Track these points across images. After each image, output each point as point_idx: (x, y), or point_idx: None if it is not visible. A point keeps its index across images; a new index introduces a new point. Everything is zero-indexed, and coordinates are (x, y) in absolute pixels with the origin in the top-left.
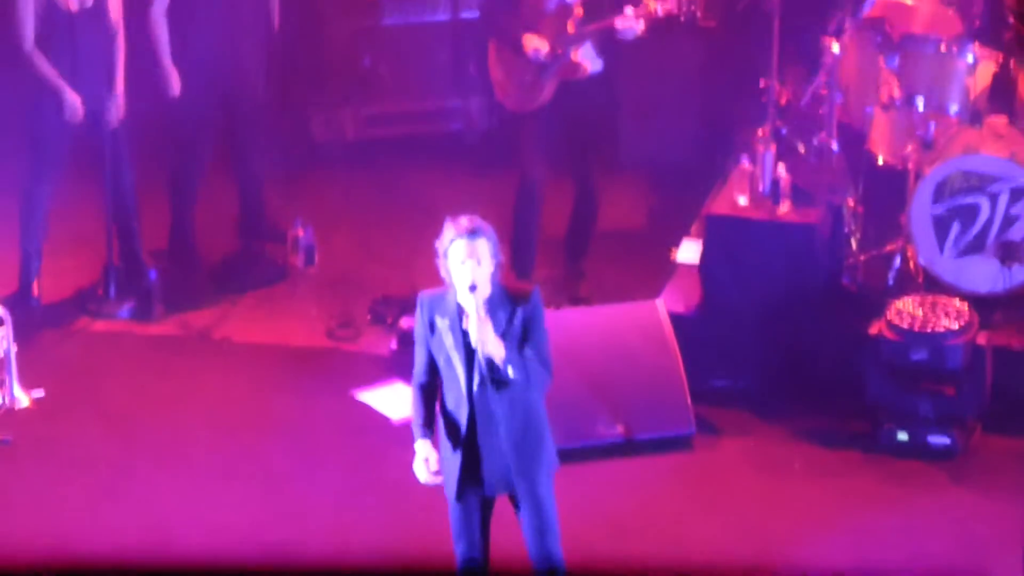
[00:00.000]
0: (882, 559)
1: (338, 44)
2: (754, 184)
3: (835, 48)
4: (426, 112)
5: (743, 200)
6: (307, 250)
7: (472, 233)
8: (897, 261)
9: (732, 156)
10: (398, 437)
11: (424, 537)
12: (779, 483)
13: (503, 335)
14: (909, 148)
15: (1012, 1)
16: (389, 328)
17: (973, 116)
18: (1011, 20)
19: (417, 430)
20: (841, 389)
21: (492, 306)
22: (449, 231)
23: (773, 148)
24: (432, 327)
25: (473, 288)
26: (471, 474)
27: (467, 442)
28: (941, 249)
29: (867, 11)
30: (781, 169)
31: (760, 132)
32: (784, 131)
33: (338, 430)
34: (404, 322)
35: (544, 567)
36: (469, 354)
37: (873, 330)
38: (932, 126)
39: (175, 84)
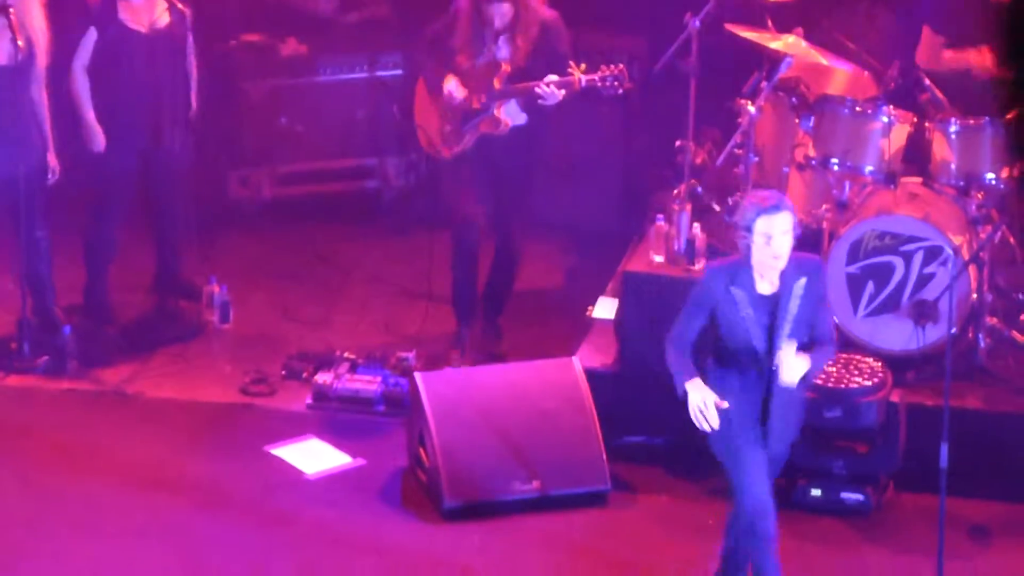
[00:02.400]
0: None
1: (255, 102)
2: (670, 243)
3: (751, 109)
4: (342, 170)
5: (659, 258)
6: (222, 307)
7: (778, 207)
8: None
9: (649, 216)
10: (312, 493)
11: None
12: (693, 541)
13: (792, 306)
14: (824, 208)
15: (926, 65)
16: (304, 383)
17: (888, 177)
18: (926, 82)
19: (685, 376)
20: None
21: (785, 277)
22: (753, 207)
23: (688, 208)
24: (726, 293)
25: (778, 259)
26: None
27: (753, 404)
28: (855, 308)
29: (783, 72)
30: (697, 228)
31: (676, 192)
32: (700, 191)
33: (252, 486)
34: (319, 378)
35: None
36: (769, 332)
37: None
38: (847, 187)
39: (99, 140)
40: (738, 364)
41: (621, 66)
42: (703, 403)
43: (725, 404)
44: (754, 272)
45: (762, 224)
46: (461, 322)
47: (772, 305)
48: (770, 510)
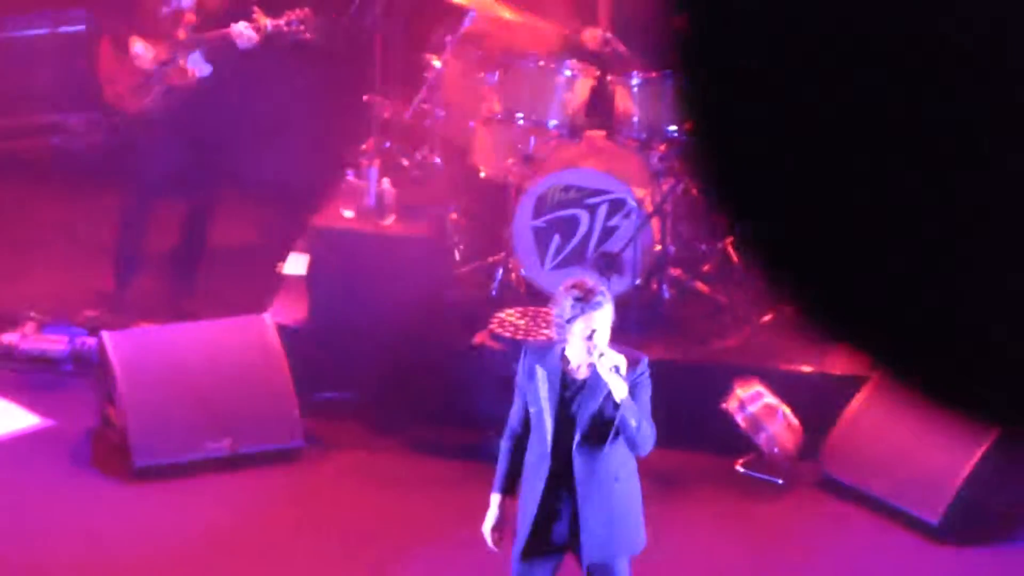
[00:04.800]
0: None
1: None
2: (359, 198)
3: (436, 63)
4: (26, 127)
5: (349, 213)
6: None
7: (596, 305)
8: (500, 273)
9: (338, 171)
10: None
11: (30, 556)
12: (388, 495)
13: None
14: (510, 162)
15: (608, 17)
16: None
17: (572, 131)
18: (608, 35)
19: (496, 483)
20: (452, 400)
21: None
22: (567, 301)
23: (378, 162)
24: (531, 375)
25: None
26: (541, 535)
27: (543, 500)
28: (542, 261)
29: (467, 27)
30: (386, 183)
31: (364, 147)
32: (388, 145)
33: None
34: (5, 337)
35: None
36: (561, 411)
37: (477, 340)
38: (532, 141)
39: None
40: (538, 454)
41: (306, 10)
42: (485, 529)
43: (495, 545)
44: (568, 354)
45: (580, 325)
46: (120, 283)
47: (576, 392)
48: None
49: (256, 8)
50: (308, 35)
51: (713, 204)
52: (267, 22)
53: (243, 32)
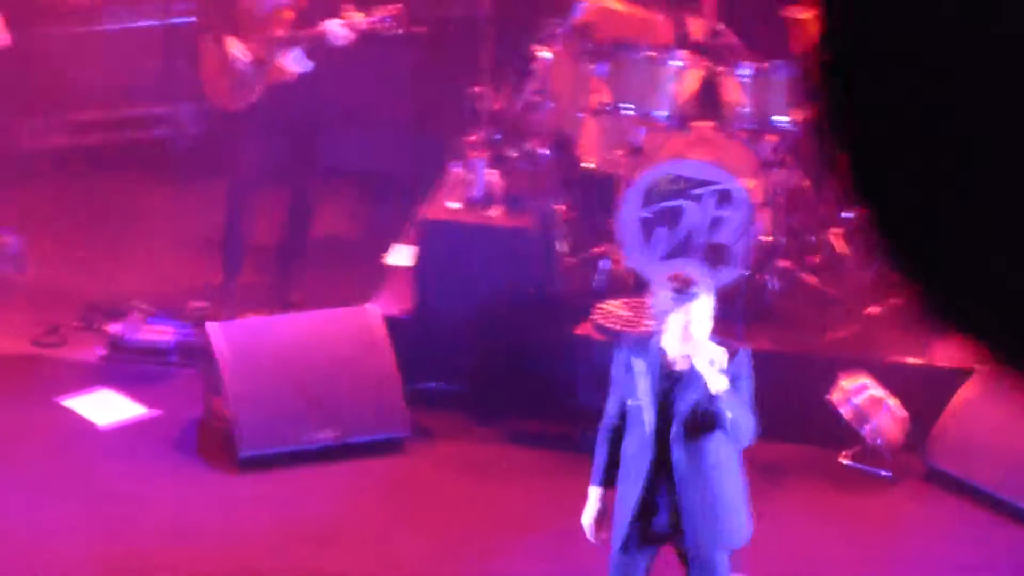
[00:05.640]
0: (585, 564)
1: (45, 50)
2: (466, 189)
3: (546, 55)
4: (134, 119)
5: (455, 205)
6: (15, 258)
7: (692, 296)
8: (605, 264)
9: (445, 162)
10: (106, 444)
11: (135, 546)
12: (491, 485)
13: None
14: (618, 153)
15: (717, 9)
16: (97, 334)
17: (681, 121)
18: (718, 26)
19: (594, 475)
20: (553, 391)
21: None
22: (665, 293)
23: (485, 154)
24: (628, 368)
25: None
26: (642, 526)
27: (644, 492)
28: (648, 252)
29: (576, 18)
30: (493, 175)
31: (472, 138)
32: (496, 137)
33: (45, 437)
34: (112, 328)
35: None
36: (661, 402)
37: (580, 331)
38: (641, 132)
39: None
40: (637, 446)
41: (399, 5)
42: (585, 522)
43: (603, 536)
44: (664, 345)
45: (679, 315)
46: (227, 274)
47: (674, 383)
48: None
49: (350, 7)
50: (400, 30)
51: (838, 189)
52: (361, 18)
53: (336, 30)
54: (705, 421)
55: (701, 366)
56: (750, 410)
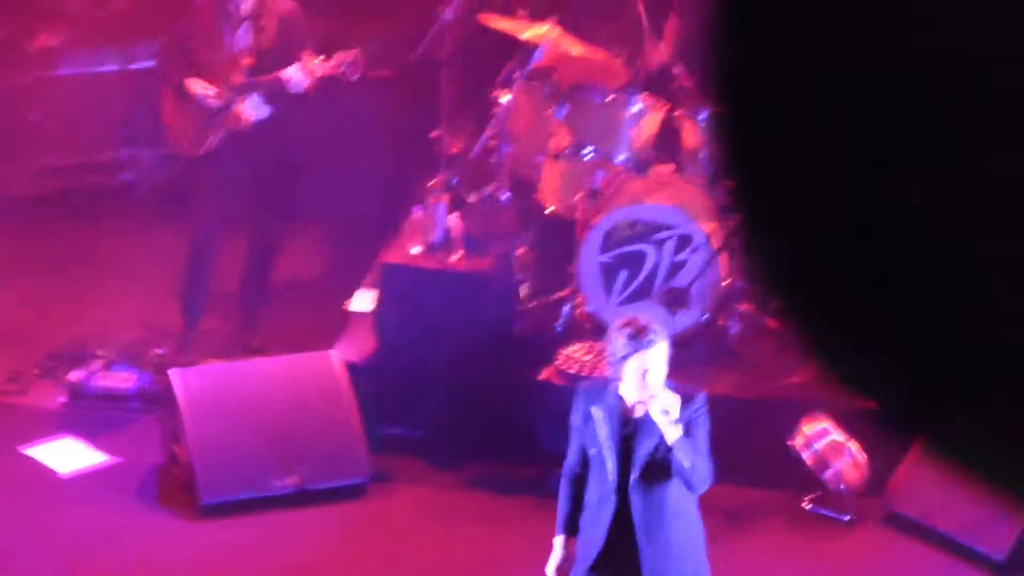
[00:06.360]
0: None
1: (3, 97)
2: (427, 234)
3: (505, 99)
4: (96, 164)
5: (416, 250)
6: None
7: (648, 343)
8: (566, 309)
9: (405, 207)
10: (68, 492)
11: None
12: (452, 530)
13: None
14: (578, 197)
15: (674, 52)
16: (58, 382)
17: (639, 165)
18: (676, 71)
19: (558, 524)
20: (514, 436)
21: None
22: (620, 340)
23: (445, 198)
24: (587, 417)
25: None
26: (603, 573)
27: (607, 540)
28: (609, 297)
29: (536, 62)
30: (453, 219)
31: (432, 183)
32: (455, 181)
33: (7, 486)
34: (73, 375)
35: None
36: (622, 449)
37: (542, 376)
38: (600, 175)
39: None
40: (599, 496)
41: (356, 51)
42: (548, 571)
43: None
44: (621, 393)
45: (633, 364)
46: (187, 323)
47: (633, 430)
48: None
49: (309, 53)
50: (358, 76)
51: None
52: (319, 64)
53: (293, 76)
54: (662, 468)
55: (655, 415)
56: (706, 456)
